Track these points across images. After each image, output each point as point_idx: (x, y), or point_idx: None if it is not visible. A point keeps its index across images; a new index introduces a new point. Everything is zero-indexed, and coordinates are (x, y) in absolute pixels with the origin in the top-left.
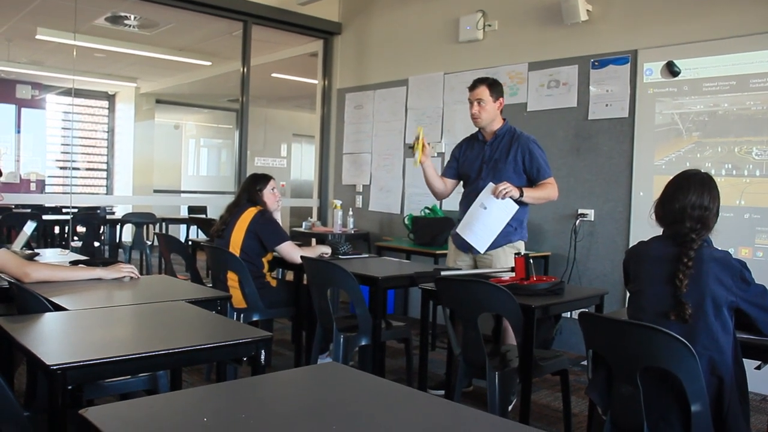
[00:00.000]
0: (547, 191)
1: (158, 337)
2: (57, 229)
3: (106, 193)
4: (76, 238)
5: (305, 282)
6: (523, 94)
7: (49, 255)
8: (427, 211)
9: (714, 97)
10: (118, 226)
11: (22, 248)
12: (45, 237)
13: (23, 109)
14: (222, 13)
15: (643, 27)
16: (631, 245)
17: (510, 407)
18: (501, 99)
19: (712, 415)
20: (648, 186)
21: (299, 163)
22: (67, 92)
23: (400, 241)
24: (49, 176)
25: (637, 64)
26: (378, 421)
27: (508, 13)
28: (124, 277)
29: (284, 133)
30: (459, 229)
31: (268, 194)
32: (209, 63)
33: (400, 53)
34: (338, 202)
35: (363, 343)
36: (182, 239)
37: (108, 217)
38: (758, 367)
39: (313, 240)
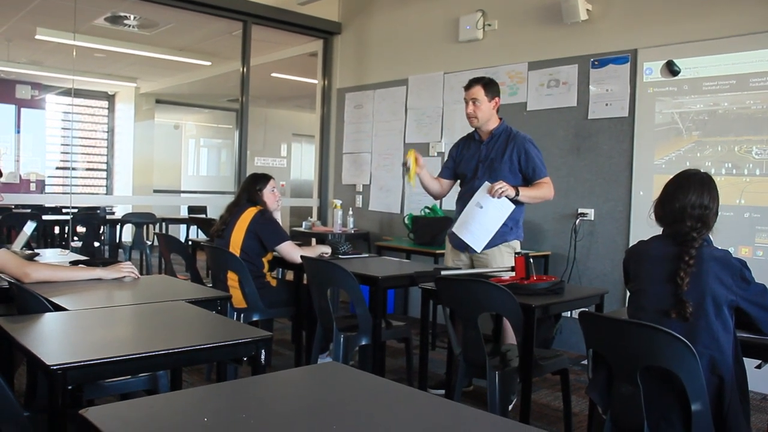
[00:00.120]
0: (543, 191)
1: (158, 337)
2: (57, 230)
3: (106, 193)
4: (76, 238)
5: (305, 282)
6: (522, 94)
7: (49, 255)
8: (427, 210)
9: (714, 96)
10: (118, 226)
11: (22, 248)
12: (45, 237)
13: (23, 109)
14: (222, 13)
15: (642, 26)
16: (631, 245)
17: (510, 407)
18: (497, 99)
19: (713, 414)
20: (648, 185)
21: (299, 162)
22: (67, 92)
23: (400, 241)
24: (48, 176)
25: (637, 64)
26: (378, 420)
27: (508, 12)
28: (124, 277)
29: (284, 132)
30: (455, 229)
31: (268, 194)
32: (209, 63)
33: (399, 53)
34: (338, 202)
35: (363, 343)
36: (182, 239)
37: (108, 217)
38: (758, 366)
39: (313, 240)
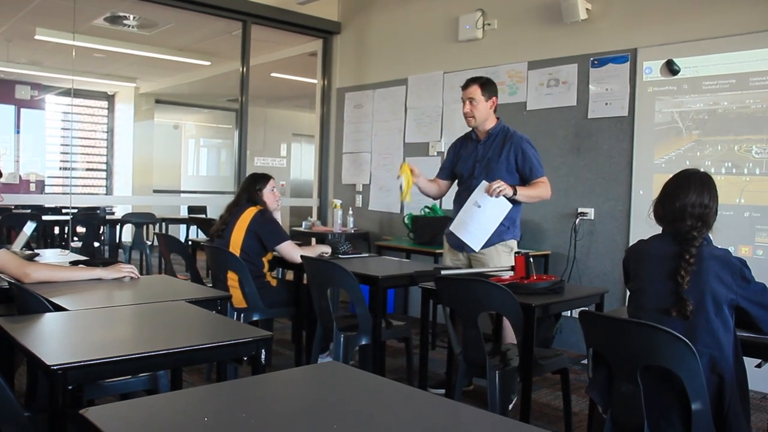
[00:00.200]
0: (540, 190)
1: (158, 337)
2: (57, 230)
3: (106, 194)
4: (75, 238)
5: (305, 281)
6: (522, 93)
7: (49, 255)
8: (426, 210)
9: (714, 95)
10: (118, 227)
11: (22, 249)
12: (45, 237)
13: (22, 110)
14: (221, 13)
15: (642, 25)
16: (630, 244)
17: (510, 406)
18: (494, 98)
19: (713, 414)
20: (648, 184)
21: (299, 162)
22: (67, 92)
23: (400, 241)
24: (48, 177)
25: (637, 63)
26: (378, 420)
27: (508, 12)
28: (124, 277)
29: (284, 132)
30: (453, 228)
31: (268, 194)
32: (208, 63)
33: (399, 52)
34: (338, 202)
35: (363, 343)
36: (182, 239)
37: (108, 217)
38: (759, 366)
39: (313, 239)
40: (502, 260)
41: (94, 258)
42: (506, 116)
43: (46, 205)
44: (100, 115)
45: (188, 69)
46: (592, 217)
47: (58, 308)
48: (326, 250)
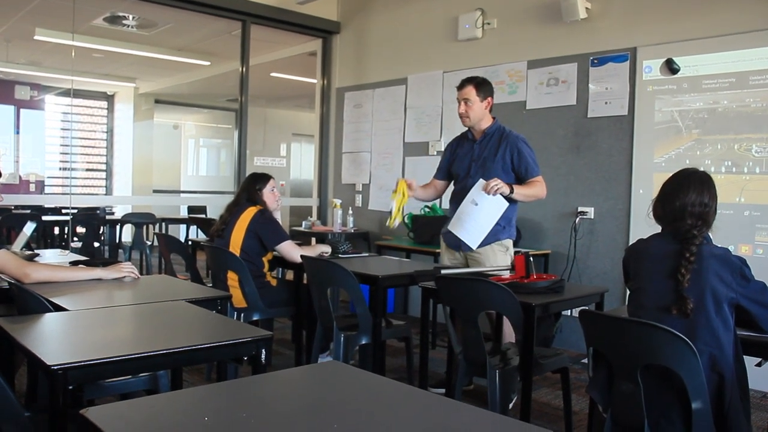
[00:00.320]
0: (536, 189)
1: (159, 337)
2: (57, 230)
3: (106, 194)
4: (75, 238)
5: (305, 281)
6: (522, 93)
7: (49, 255)
8: (426, 209)
9: (713, 94)
10: (118, 227)
11: (22, 249)
12: (45, 238)
13: (22, 110)
14: (221, 13)
15: (642, 24)
16: (630, 243)
17: (510, 405)
18: (489, 98)
19: (713, 412)
20: (648, 183)
21: (299, 162)
22: (66, 93)
23: (399, 240)
24: (48, 177)
25: (637, 62)
26: (379, 419)
27: (507, 11)
28: (124, 277)
29: (283, 132)
30: (450, 226)
31: (268, 194)
32: (208, 63)
33: (399, 52)
34: (338, 201)
35: (363, 342)
36: (182, 239)
37: (108, 217)
38: (759, 365)
39: (313, 239)
40: (498, 259)
41: (94, 258)
42: (506, 115)
43: (46, 206)
44: (99, 115)
45: (188, 69)
46: (592, 216)
47: (59, 308)
48: (326, 249)
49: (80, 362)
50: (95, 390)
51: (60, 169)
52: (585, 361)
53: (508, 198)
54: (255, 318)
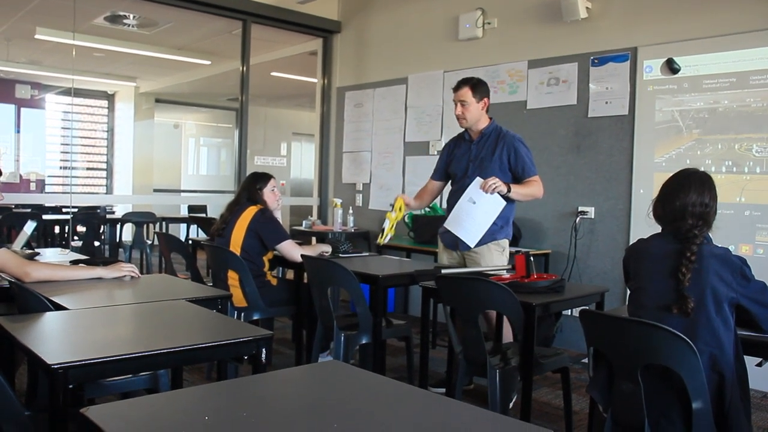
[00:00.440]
0: (533, 188)
1: (159, 336)
2: (57, 229)
3: (106, 193)
4: (76, 237)
5: (306, 281)
6: (522, 92)
7: (50, 255)
8: (427, 209)
9: (714, 94)
10: (118, 226)
11: (22, 248)
12: (45, 237)
13: (23, 109)
14: (221, 12)
15: (642, 24)
16: (631, 243)
17: (511, 405)
18: (486, 99)
19: (714, 412)
20: (648, 183)
21: (299, 161)
22: (67, 92)
23: (400, 240)
24: (49, 176)
25: (637, 62)
26: (379, 419)
27: (508, 10)
28: (125, 276)
29: (284, 131)
30: (447, 224)
31: (269, 193)
32: (209, 62)
33: (399, 51)
34: (338, 201)
35: (363, 342)
36: (182, 238)
37: (108, 216)
38: (759, 364)
39: (314, 239)
40: (494, 259)
41: (94, 257)
42: (506, 115)
43: (47, 205)
44: (100, 114)
45: (188, 68)
46: (593, 216)
47: (59, 307)
48: (326, 249)
49: (80, 361)
50: (95, 389)
51: (60, 168)
52: (585, 360)
53: (505, 197)
54: (255, 317)
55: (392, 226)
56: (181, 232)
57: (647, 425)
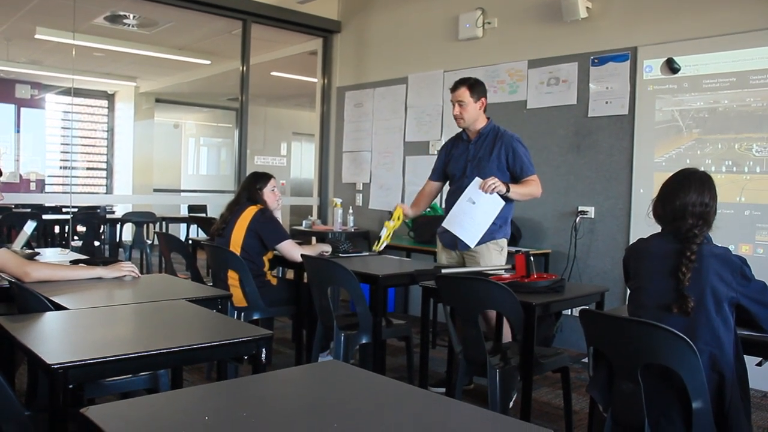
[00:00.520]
0: (531, 188)
1: (159, 336)
2: (57, 229)
3: (106, 193)
4: (76, 237)
5: (306, 280)
6: (522, 92)
7: (50, 254)
8: (427, 209)
9: (714, 93)
10: (118, 226)
11: (22, 248)
12: (45, 236)
13: (23, 109)
14: (221, 12)
15: (642, 24)
16: (631, 242)
17: (511, 405)
18: (483, 99)
19: (714, 412)
20: (648, 183)
21: (299, 161)
22: (67, 92)
23: (400, 239)
24: (49, 176)
25: (637, 61)
26: (379, 419)
27: (508, 10)
28: (125, 276)
29: (284, 131)
30: (446, 223)
31: (269, 193)
32: (209, 62)
33: (399, 51)
34: (338, 201)
35: (363, 341)
36: (182, 238)
37: (108, 216)
38: (759, 364)
39: (314, 238)
40: (493, 258)
41: (94, 257)
42: (506, 115)
43: (47, 204)
44: (100, 114)
45: (188, 68)
46: (593, 216)
47: (59, 307)
48: (326, 249)
49: (80, 361)
50: (95, 389)
51: (60, 168)
52: (585, 360)
53: (504, 197)
54: (255, 317)
55: (389, 234)
56: (181, 232)
57: (647, 425)
